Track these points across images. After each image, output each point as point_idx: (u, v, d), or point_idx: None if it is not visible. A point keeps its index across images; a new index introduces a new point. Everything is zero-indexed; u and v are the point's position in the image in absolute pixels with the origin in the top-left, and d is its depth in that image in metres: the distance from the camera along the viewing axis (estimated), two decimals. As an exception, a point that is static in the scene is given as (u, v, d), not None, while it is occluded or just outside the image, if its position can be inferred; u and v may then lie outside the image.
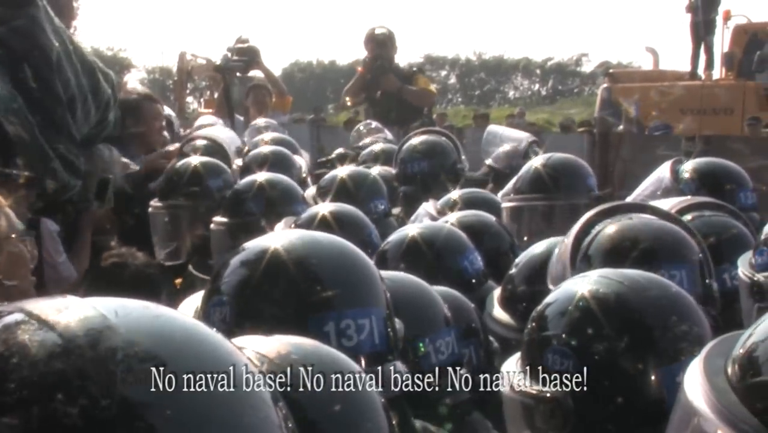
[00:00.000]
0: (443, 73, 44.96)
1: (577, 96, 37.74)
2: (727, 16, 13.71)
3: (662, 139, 8.64)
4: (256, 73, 7.18)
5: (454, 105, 37.56)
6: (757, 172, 3.34)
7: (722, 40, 13.91)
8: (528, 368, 1.51)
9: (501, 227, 2.78)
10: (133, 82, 6.13)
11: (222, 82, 7.21)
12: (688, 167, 3.14)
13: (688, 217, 2.43)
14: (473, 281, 2.41)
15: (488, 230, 2.70)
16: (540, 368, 1.48)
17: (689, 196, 2.72)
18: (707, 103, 12.47)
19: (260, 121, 5.60)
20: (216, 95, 8.29)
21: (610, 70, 19.28)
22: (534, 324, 1.55)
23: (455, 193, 3.27)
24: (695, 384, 0.93)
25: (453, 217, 2.77)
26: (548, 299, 1.57)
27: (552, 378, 1.45)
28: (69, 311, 0.74)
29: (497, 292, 2.26)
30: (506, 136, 4.37)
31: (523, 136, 4.38)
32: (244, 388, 0.77)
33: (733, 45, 13.71)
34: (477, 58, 43.75)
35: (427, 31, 78.81)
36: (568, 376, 1.43)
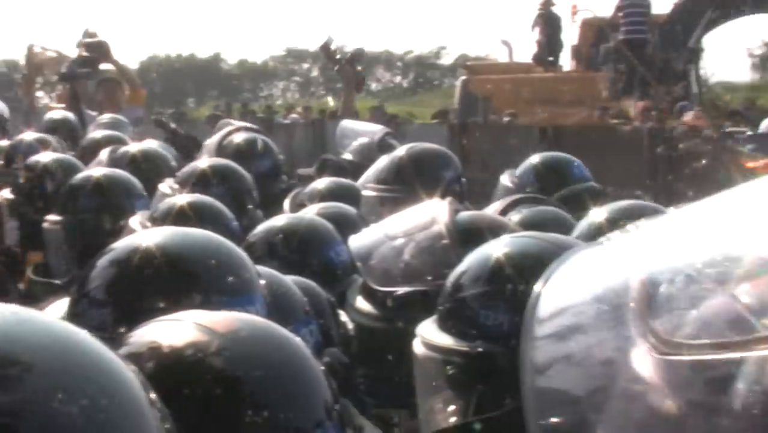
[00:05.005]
0: (305, 66, 44.83)
1: (437, 88, 38.48)
2: (575, 11, 14.36)
3: (517, 129, 8.95)
4: (108, 66, 6.92)
5: (318, 97, 37.54)
6: (604, 162, 3.53)
7: (570, 34, 14.58)
8: (454, 326, 1.55)
9: (360, 219, 2.81)
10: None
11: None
12: (522, 167, 3.31)
13: (518, 215, 2.59)
14: (339, 272, 2.42)
15: (348, 222, 2.72)
16: (470, 325, 1.52)
17: (509, 197, 2.93)
18: (559, 94, 13.02)
19: (105, 117, 5.39)
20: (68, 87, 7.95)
21: (468, 63, 19.80)
22: (462, 282, 1.59)
23: (321, 183, 3.28)
24: None
25: (313, 209, 2.78)
26: (478, 258, 1.62)
27: (485, 334, 1.49)
28: None
29: (359, 282, 2.29)
30: (360, 130, 4.42)
31: (377, 129, 4.44)
32: (118, 393, 0.74)
33: (581, 38, 14.37)
34: (339, 51, 43.83)
35: (288, 24, 78.29)
36: (504, 330, 1.48)
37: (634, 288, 0.69)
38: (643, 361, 0.65)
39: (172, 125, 5.18)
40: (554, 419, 0.73)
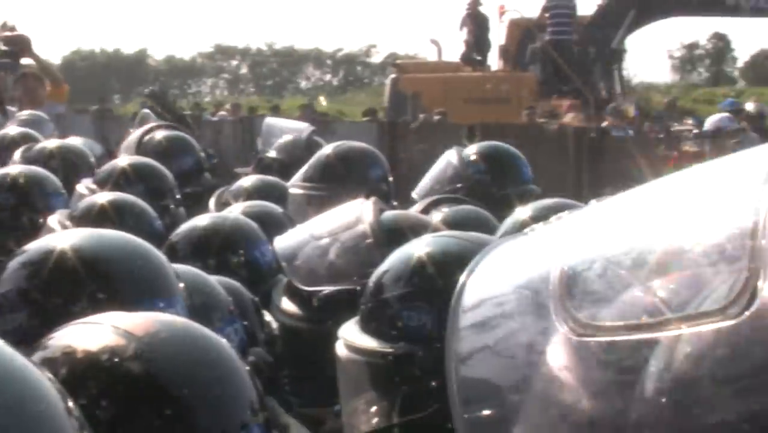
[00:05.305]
0: (234, 63, 44.37)
1: (367, 86, 38.54)
2: (502, 11, 14.55)
3: (445, 128, 9.01)
4: (29, 61, 6.72)
5: (247, 95, 37.20)
6: (531, 160, 3.56)
7: (498, 34, 14.77)
8: (377, 327, 1.54)
9: (287, 218, 2.78)
10: None
11: None
12: (472, 151, 3.30)
13: (440, 215, 2.59)
14: (264, 272, 2.40)
15: (274, 221, 2.70)
16: (393, 326, 1.51)
17: (427, 198, 2.93)
18: (487, 93, 13.18)
19: (24, 113, 5.23)
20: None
21: (397, 61, 19.88)
22: (383, 283, 1.58)
23: (247, 180, 3.26)
24: None
25: (238, 207, 2.75)
26: (399, 258, 1.61)
27: (408, 334, 1.49)
28: None
29: (284, 282, 2.27)
30: (286, 128, 4.40)
31: (303, 126, 4.43)
32: (35, 402, 0.71)
33: (508, 38, 14.57)
34: (268, 48, 43.60)
35: (217, 21, 77.38)
36: (427, 330, 1.48)
37: (554, 275, 0.72)
38: (563, 344, 0.68)
39: (170, 98, 5.01)
40: (479, 408, 0.75)
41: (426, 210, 2.72)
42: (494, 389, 0.74)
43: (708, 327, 0.58)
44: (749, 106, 12.34)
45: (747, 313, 0.57)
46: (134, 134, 3.73)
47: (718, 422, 0.57)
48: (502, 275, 0.82)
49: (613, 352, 0.64)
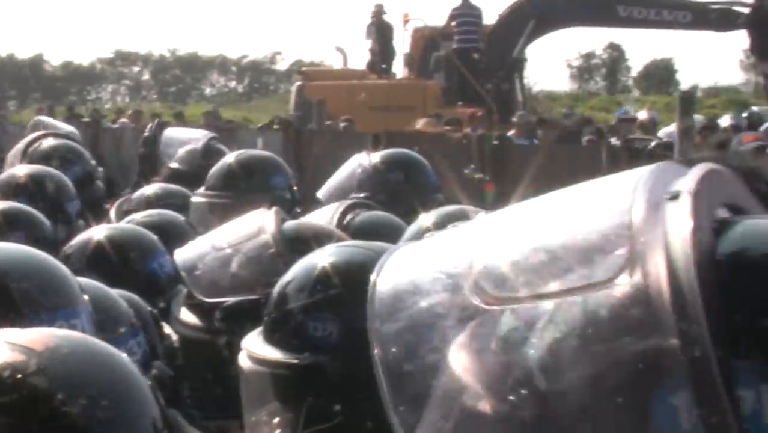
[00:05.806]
0: (136, 69, 43.44)
1: (273, 93, 38.29)
2: (406, 20, 14.69)
3: (350, 135, 9.04)
4: None
5: (150, 102, 36.43)
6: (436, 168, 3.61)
7: (403, 42, 14.91)
8: (281, 338, 1.51)
9: (189, 226, 2.74)
10: None
11: None
12: (382, 158, 3.32)
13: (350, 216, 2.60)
14: (162, 284, 2.35)
15: (175, 230, 2.65)
16: (298, 336, 1.49)
17: (338, 202, 2.93)
18: (392, 100, 13.29)
19: None
20: None
21: (303, 68, 19.84)
22: (287, 293, 1.56)
23: (148, 189, 3.20)
24: None
25: (138, 216, 2.70)
26: (302, 268, 1.59)
27: (313, 345, 1.47)
28: None
29: (183, 294, 2.23)
30: (184, 138, 4.35)
31: (201, 135, 4.38)
32: None
33: (413, 47, 14.73)
34: (171, 55, 42.82)
35: (117, 26, 75.61)
36: (332, 340, 1.47)
37: (467, 260, 0.82)
38: (475, 314, 0.79)
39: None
40: (408, 393, 0.80)
41: (343, 214, 2.68)
42: (419, 367, 0.80)
43: (594, 294, 0.73)
44: (642, 115, 12.79)
45: (624, 285, 0.72)
46: (20, 143, 3.61)
47: (597, 367, 0.71)
48: (413, 266, 0.89)
49: (518, 317, 0.76)
